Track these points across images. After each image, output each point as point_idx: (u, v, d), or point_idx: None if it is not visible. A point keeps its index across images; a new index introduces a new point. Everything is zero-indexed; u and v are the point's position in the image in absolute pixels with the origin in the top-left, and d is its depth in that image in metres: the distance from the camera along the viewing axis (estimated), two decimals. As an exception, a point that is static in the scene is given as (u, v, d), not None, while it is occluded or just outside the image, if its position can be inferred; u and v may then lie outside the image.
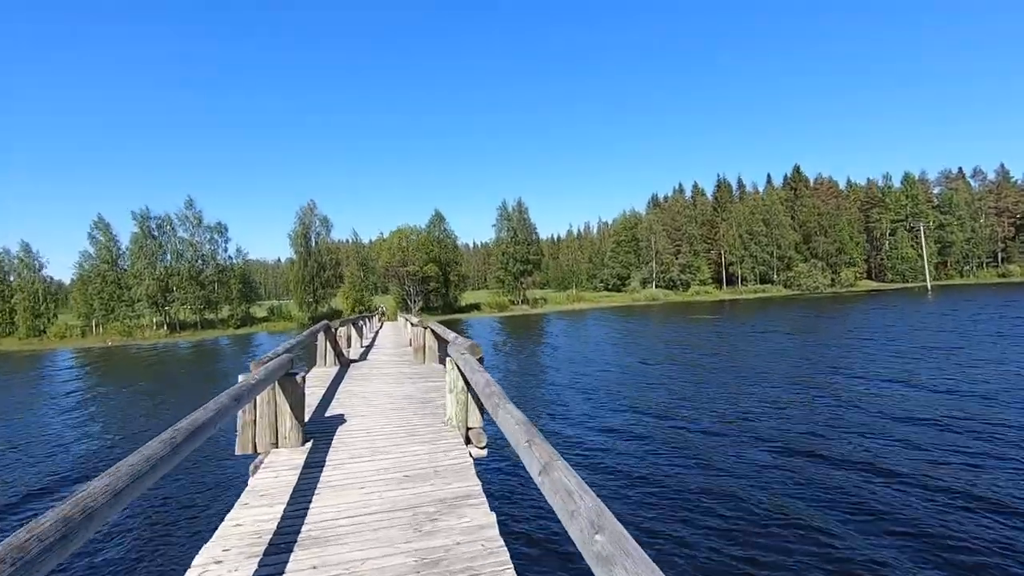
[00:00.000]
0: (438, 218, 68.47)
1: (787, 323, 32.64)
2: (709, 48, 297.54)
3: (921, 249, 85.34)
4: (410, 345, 14.89)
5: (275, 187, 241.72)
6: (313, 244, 60.89)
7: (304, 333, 7.46)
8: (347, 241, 79.48)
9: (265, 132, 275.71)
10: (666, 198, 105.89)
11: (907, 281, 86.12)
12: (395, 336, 21.19)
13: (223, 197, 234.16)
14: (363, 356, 12.07)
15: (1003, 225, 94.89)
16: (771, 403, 11.88)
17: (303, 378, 5.14)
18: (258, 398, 4.86)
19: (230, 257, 56.85)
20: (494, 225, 74.40)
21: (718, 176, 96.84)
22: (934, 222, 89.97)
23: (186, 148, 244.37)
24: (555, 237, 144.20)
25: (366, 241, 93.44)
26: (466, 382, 5.51)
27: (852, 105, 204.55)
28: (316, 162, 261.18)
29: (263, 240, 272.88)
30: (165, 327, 50.68)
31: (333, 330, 9.87)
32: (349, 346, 13.49)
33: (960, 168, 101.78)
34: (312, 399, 6.90)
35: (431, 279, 58.02)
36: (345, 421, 5.83)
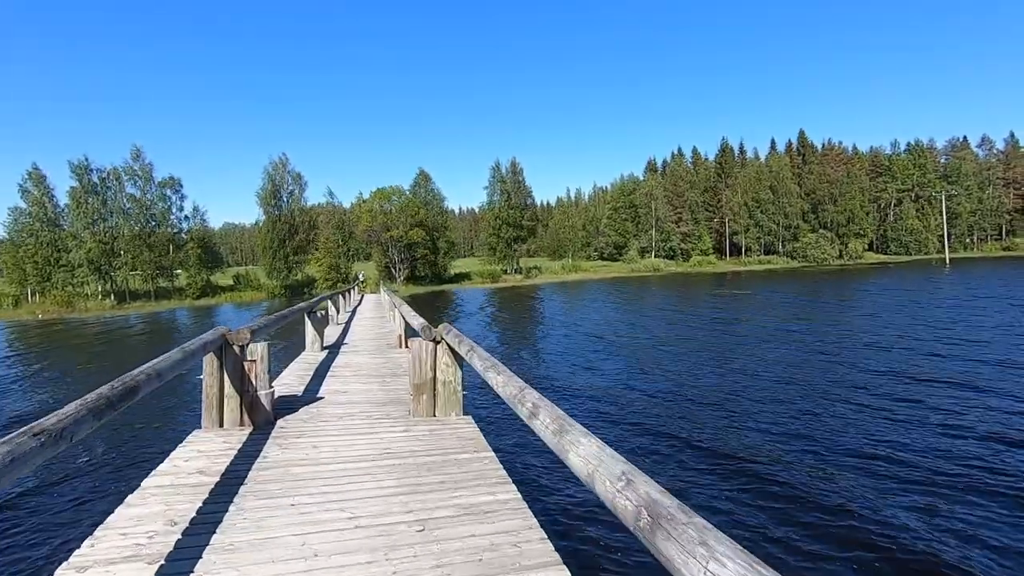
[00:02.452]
0: (423, 178, 62.07)
1: (822, 303, 28.16)
2: (709, 8, 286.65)
3: (940, 219, 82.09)
4: (402, 347, 9.67)
5: (252, 144, 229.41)
6: (285, 203, 54.34)
7: (124, 379, 2.26)
8: (324, 204, 72.59)
9: (241, 85, 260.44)
10: (665, 163, 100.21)
11: (911, 253, 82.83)
12: (376, 320, 15.88)
13: (196, 156, 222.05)
14: (315, 381, 6.79)
15: (1010, 197, 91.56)
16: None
17: None
18: None
19: (186, 217, 50.00)
20: (486, 188, 68.26)
21: (722, 139, 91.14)
22: (941, 192, 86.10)
23: (156, 99, 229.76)
24: (545, 203, 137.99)
25: (347, 205, 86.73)
26: None
27: (856, 71, 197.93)
28: (295, 120, 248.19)
29: (240, 201, 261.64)
30: (112, 297, 44.24)
31: (240, 348, 4.56)
32: (291, 358, 8.24)
33: (964, 137, 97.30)
34: None
35: (418, 245, 52.06)
36: None
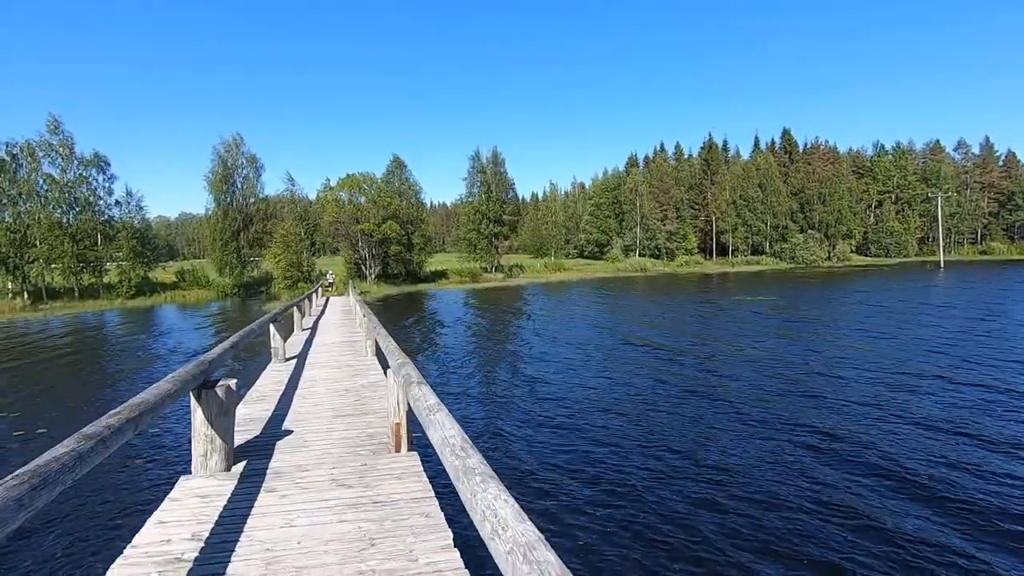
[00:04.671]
0: (397, 165, 56.32)
1: (862, 316, 24.57)
2: (690, 6, 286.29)
3: (919, 221, 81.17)
4: (402, 449, 4.78)
5: (211, 128, 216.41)
6: (239, 189, 47.97)
7: None
8: (284, 192, 65.79)
9: (203, 60, 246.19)
10: (647, 159, 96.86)
11: (891, 256, 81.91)
12: (346, 353, 10.41)
13: (146, 140, 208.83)
14: None
15: (986, 201, 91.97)
16: None
17: None
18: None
19: (117, 202, 43.05)
20: (464, 179, 63.13)
21: (708, 136, 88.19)
22: (938, 194, 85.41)
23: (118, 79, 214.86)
24: (521, 198, 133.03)
25: (311, 196, 79.96)
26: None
27: (837, 71, 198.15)
28: (256, 99, 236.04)
29: (198, 190, 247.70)
30: (25, 295, 37.26)
31: None
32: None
33: (938, 140, 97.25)
34: None
35: (391, 240, 46.52)
36: None
